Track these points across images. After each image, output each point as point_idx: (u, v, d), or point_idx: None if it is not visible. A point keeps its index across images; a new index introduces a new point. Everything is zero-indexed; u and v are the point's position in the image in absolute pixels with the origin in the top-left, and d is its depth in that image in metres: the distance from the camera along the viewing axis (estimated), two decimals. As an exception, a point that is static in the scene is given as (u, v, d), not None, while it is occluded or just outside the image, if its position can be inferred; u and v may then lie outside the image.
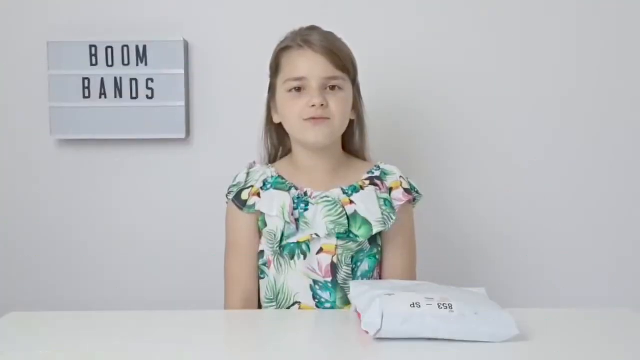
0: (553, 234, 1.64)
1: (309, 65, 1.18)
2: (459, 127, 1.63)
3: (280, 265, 1.20)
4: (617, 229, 1.64)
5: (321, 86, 1.18)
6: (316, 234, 1.18)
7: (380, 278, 1.25)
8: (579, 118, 1.62)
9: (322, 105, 1.16)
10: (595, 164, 1.63)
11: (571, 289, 1.64)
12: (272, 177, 1.23)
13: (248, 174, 1.25)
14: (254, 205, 1.21)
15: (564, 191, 1.64)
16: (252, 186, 1.23)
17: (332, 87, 1.19)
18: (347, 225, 1.18)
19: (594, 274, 1.64)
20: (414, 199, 1.26)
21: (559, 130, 1.63)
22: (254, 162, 1.29)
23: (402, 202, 1.23)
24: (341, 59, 1.19)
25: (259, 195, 1.22)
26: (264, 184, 1.23)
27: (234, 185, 1.25)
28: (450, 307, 0.89)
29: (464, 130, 1.63)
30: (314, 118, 1.17)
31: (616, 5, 1.60)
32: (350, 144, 1.29)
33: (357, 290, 1.00)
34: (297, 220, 1.18)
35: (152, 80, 1.58)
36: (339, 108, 1.19)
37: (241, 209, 1.22)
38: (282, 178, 1.23)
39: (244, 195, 1.22)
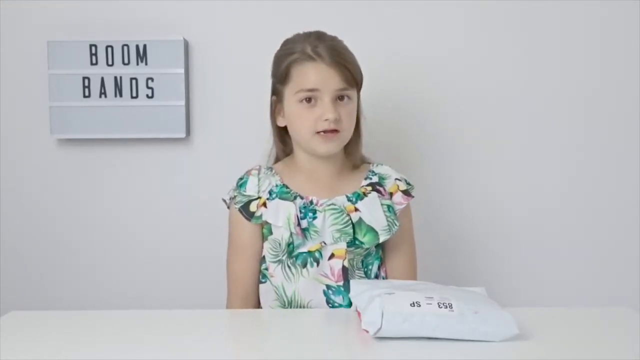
0: (553, 234, 1.64)
1: (321, 78, 1.18)
2: (459, 127, 1.63)
3: (292, 275, 1.21)
4: (617, 228, 1.64)
5: (333, 98, 1.19)
6: (324, 242, 1.19)
7: (385, 278, 1.26)
8: (579, 119, 1.62)
9: (335, 119, 1.18)
10: (596, 164, 1.63)
11: (571, 289, 1.64)
12: (277, 185, 1.23)
13: (259, 183, 1.24)
14: (260, 216, 1.21)
15: (564, 191, 1.64)
16: (259, 197, 1.22)
17: (341, 98, 1.20)
18: (352, 234, 1.19)
19: (594, 273, 1.64)
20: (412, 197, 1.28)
21: (559, 130, 1.63)
22: (260, 167, 1.28)
23: (403, 205, 1.25)
24: (351, 72, 1.20)
25: (265, 205, 1.22)
26: (270, 194, 1.23)
27: (245, 195, 1.23)
28: (450, 306, 0.89)
29: (464, 131, 1.63)
30: (325, 132, 1.18)
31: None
32: (348, 147, 1.29)
33: (357, 289, 1.00)
34: (306, 229, 1.19)
35: (152, 79, 1.58)
36: (348, 120, 1.21)
37: (249, 219, 1.22)
38: (287, 187, 1.23)
39: (252, 207, 1.22)
